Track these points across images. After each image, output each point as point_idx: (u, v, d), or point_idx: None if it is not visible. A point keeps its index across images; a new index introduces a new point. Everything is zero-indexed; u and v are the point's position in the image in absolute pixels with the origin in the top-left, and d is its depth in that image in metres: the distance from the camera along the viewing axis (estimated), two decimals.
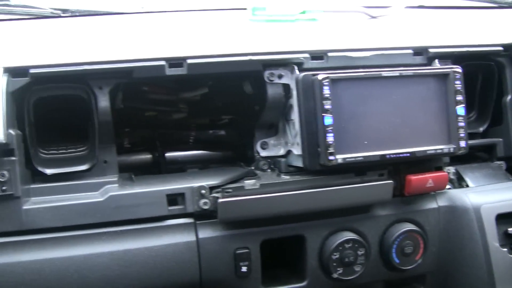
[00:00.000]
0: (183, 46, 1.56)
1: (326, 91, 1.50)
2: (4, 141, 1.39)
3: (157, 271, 1.51)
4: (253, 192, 1.52)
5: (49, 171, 1.54)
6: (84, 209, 1.49)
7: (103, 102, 1.52)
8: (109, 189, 1.52)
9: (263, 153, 1.68)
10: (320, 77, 1.50)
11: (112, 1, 1.97)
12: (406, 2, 1.90)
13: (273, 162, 1.68)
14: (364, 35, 1.72)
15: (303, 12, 1.74)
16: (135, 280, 1.51)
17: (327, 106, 1.50)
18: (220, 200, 1.49)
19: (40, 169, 1.54)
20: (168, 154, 1.80)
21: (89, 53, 1.51)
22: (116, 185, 1.55)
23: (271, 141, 1.68)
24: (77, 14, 1.90)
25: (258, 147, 1.68)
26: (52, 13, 1.88)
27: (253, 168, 1.67)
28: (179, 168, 1.80)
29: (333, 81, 1.50)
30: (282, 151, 1.68)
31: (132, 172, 1.65)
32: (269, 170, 1.67)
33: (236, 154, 1.84)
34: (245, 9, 1.75)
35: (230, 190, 1.51)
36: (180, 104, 1.77)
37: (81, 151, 1.61)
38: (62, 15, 1.88)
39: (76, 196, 1.52)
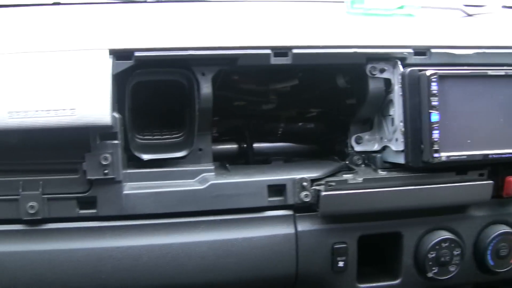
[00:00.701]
0: (287, 36, 1.53)
1: (434, 87, 1.47)
2: (110, 124, 1.37)
3: (254, 262, 1.49)
4: (356, 187, 1.49)
5: (145, 157, 1.52)
6: (185, 196, 1.47)
7: (206, 88, 1.49)
8: (207, 177, 1.50)
9: (357, 148, 1.66)
10: (428, 73, 1.47)
11: None
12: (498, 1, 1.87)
13: (367, 157, 1.65)
14: (463, 33, 1.69)
15: (401, 7, 1.71)
16: (231, 271, 1.49)
17: (434, 103, 1.47)
18: (323, 193, 1.46)
19: (136, 154, 1.52)
20: (254, 145, 1.78)
21: (192, 39, 1.49)
22: (213, 173, 1.53)
23: (365, 136, 1.66)
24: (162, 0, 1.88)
25: (352, 142, 1.65)
26: None
27: (347, 162, 1.64)
28: (264, 159, 1.78)
29: (441, 78, 1.48)
30: (376, 147, 1.65)
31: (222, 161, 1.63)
32: (363, 165, 1.64)
33: (321, 148, 1.81)
34: (341, 1, 1.72)
35: (333, 183, 1.48)
36: (270, 95, 1.74)
37: (177, 138, 1.59)
38: (148, 0, 1.86)
39: (174, 183, 1.51)
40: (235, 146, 1.78)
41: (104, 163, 1.40)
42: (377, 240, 1.61)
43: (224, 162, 1.63)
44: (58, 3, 1.78)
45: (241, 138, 1.77)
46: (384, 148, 1.63)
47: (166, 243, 1.46)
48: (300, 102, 1.79)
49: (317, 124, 1.83)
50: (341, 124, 1.69)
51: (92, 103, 1.36)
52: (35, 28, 1.51)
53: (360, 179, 1.51)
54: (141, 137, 1.57)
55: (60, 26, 1.52)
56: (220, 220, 1.49)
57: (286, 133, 1.80)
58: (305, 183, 1.49)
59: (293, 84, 1.73)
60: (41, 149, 1.44)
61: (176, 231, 1.47)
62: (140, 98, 1.54)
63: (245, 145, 1.77)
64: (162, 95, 1.58)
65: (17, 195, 1.41)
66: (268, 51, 1.48)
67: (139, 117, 1.55)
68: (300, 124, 1.83)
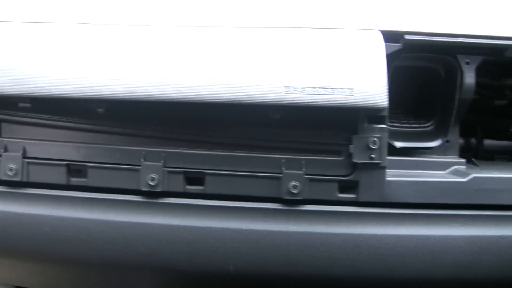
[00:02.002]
0: None
1: None
2: (386, 106, 1.32)
3: (507, 262, 1.43)
4: None
5: (398, 144, 1.49)
6: (447, 188, 1.41)
7: (469, 78, 1.45)
8: (462, 170, 1.45)
9: None
10: None
11: None
12: None
13: None
14: None
15: None
16: (484, 269, 1.43)
17: None
18: None
19: (388, 141, 1.47)
20: None
21: (460, 25, 1.43)
22: (464, 166, 1.48)
23: None
24: None
25: None
26: None
27: None
28: (487, 156, 1.72)
29: None
30: None
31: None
32: None
33: None
34: None
35: None
36: (504, 90, 1.68)
37: (426, 127, 1.54)
38: None
39: (430, 173, 1.46)
40: (460, 140, 1.71)
41: (372, 147, 1.36)
42: None
43: (469, 156, 1.57)
44: None
45: (469, 132, 1.71)
46: None
47: (424, 234, 1.41)
48: None
49: None
50: None
51: (371, 84, 1.32)
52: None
53: None
54: (390, 123, 1.52)
55: (323, 4, 1.48)
56: (479, 215, 1.43)
57: None
58: None
59: None
60: (304, 127, 1.40)
61: (435, 223, 1.42)
62: (393, 84, 1.49)
63: (473, 140, 1.70)
64: (413, 82, 1.54)
65: (280, 173, 1.38)
66: None
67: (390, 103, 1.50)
68: None
